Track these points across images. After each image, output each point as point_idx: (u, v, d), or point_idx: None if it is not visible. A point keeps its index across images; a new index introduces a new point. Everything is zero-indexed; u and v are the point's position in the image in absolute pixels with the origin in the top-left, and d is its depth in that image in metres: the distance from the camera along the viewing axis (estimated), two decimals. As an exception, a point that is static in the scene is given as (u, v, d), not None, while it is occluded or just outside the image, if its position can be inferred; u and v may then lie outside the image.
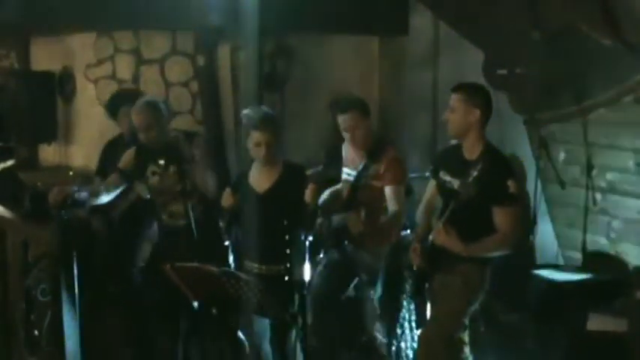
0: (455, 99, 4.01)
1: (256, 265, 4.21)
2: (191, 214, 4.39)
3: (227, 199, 4.30)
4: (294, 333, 4.19)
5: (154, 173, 4.68)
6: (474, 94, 4.02)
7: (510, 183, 3.87)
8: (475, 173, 3.80)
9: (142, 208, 5.21)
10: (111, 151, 5.48)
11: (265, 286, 3.81)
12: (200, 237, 4.36)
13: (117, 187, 4.78)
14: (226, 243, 4.67)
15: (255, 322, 4.25)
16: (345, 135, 4.79)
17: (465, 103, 3.97)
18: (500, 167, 3.91)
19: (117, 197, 4.88)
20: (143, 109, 4.65)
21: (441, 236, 3.92)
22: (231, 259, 4.62)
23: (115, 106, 5.62)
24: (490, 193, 3.84)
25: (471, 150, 4.00)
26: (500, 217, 3.89)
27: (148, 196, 4.88)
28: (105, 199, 4.76)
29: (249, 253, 4.30)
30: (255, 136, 4.21)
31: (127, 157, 4.79)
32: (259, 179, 4.27)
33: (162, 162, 4.61)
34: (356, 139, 4.72)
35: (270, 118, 4.26)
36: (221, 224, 4.69)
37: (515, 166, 4.09)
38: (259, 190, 4.26)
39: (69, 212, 4.26)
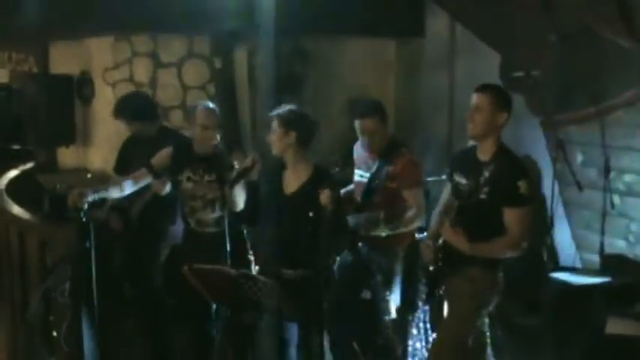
0: (482, 99, 3.93)
1: (282, 269, 4.17)
2: (226, 223, 4.32)
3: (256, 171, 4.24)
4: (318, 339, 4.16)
5: (189, 179, 4.65)
6: (503, 96, 3.98)
7: (521, 184, 3.84)
8: (487, 174, 3.79)
9: (159, 208, 5.21)
10: (130, 148, 5.48)
11: (288, 289, 3.80)
12: (226, 245, 4.31)
13: (144, 182, 4.77)
14: (251, 256, 4.68)
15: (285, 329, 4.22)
16: (362, 138, 4.81)
17: (492, 105, 3.91)
18: (511, 168, 3.89)
19: (135, 193, 4.86)
20: (210, 109, 4.69)
21: (447, 233, 3.92)
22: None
23: (116, 112, 5.55)
24: (501, 193, 3.83)
25: (486, 151, 3.98)
26: (510, 218, 3.86)
27: (167, 191, 4.86)
28: (128, 190, 4.74)
29: (273, 256, 4.27)
30: (272, 124, 4.19)
31: (163, 155, 4.73)
32: (289, 180, 4.24)
33: (201, 169, 4.61)
34: (372, 143, 4.73)
35: (289, 111, 4.19)
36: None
37: (527, 168, 4.05)
38: (287, 191, 4.24)
39: (88, 214, 4.26)
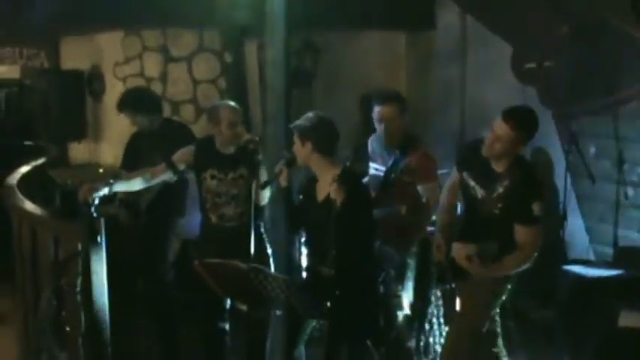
0: (505, 130, 3.80)
1: (318, 267, 4.08)
2: (252, 216, 4.30)
3: (284, 178, 4.15)
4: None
5: (212, 177, 4.66)
6: (527, 128, 3.85)
7: (535, 206, 3.80)
8: (500, 190, 3.75)
9: (167, 201, 5.21)
10: (135, 144, 5.48)
11: (323, 286, 3.78)
12: (248, 239, 4.30)
13: (162, 177, 4.78)
14: (269, 251, 4.67)
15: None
16: (379, 127, 4.81)
17: (514, 138, 3.81)
18: (526, 187, 3.84)
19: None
20: (233, 106, 4.71)
21: (461, 260, 3.90)
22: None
23: (120, 107, 5.54)
24: (513, 211, 3.80)
25: (500, 161, 3.94)
26: (522, 235, 3.85)
27: (174, 179, 4.86)
28: (145, 185, 4.76)
29: (314, 256, 4.24)
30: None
31: (185, 152, 4.75)
32: (319, 189, 4.13)
33: (226, 167, 4.63)
34: (389, 132, 4.74)
35: (305, 119, 4.10)
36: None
37: (541, 184, 3.97)
38: (318, 200, 4.12)
39: (98, 209, 4.27)
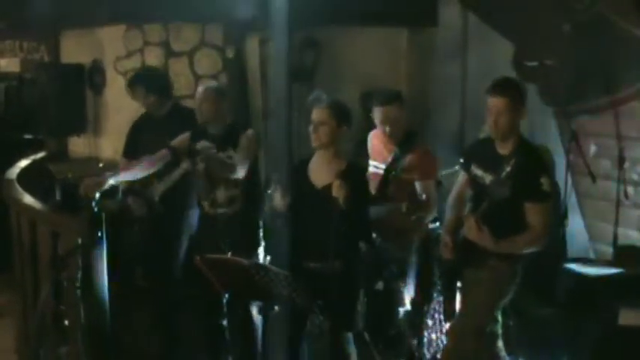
0: (501, 102, 3.88)
1: (310, 263, 4.06)
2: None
3: (280, 201, 4.06)
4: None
5: (202, 159, 4.68)
6: (519, 92, 3.94)
7: (543, 180, 3.83)
8: (508, 169, 3.76)
9: (178, 191, 5.16)
10: (140, 129, 5.45)
11: (315, 283, 3.77)
12: (239, 227, 4.29)
13: (161, 164, 4.79)
14: (261, 241, 4.67)
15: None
16: (381, 127, 4.80)
17: (511, 106, 3.88)
18: (533, 163, 3.87)
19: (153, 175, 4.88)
20: (207, 86, 4.78)
21: (472, 232, 3.89)
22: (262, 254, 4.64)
23: (133, 84, 5.50)
24: (523, 189, 3.80)
25: (505, 145, 3.95)
26: (532, 213, 3.85)
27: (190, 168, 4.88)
28: (146, 173, 4.77)
29: (303, 249, 4.15)
30: (313, 113, 4.03)
31: (183, 138, 4.79)
32: (320, 173, 4.06)
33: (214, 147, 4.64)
34: (392, 132, 4.74)
35: (339, 103, 4.05)
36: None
37: (548, 162, 4.03)
38: (318, 185, 4.07)
39: (100, 204, 4.26)
